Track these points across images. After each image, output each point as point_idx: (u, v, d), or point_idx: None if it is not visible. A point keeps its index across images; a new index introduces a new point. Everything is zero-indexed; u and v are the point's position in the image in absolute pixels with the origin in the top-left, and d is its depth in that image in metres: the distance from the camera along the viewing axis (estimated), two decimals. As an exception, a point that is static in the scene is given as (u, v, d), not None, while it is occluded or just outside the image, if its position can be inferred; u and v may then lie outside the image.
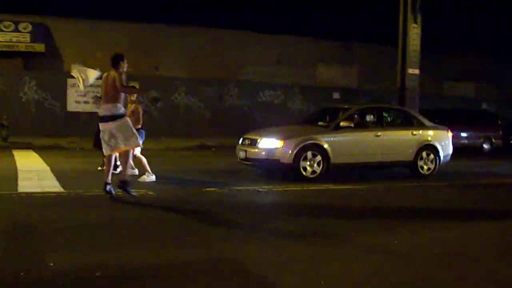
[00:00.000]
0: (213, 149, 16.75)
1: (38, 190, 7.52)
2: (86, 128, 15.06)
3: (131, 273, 3.94)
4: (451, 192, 9.20)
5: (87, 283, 3.69)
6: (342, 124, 9.76)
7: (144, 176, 8.64)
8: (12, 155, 12.21)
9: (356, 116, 10.32)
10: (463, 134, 17.59)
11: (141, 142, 8.00)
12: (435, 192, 9.04)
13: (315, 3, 27.44)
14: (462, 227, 6.02)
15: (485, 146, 18.37)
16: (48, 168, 10.03)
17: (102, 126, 6.96)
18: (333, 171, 9.53)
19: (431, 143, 10.55)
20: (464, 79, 26.24)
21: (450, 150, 10.97)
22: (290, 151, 9.16)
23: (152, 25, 20.51)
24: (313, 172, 9.27)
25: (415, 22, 14.84)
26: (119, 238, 4.99)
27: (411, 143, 10.38)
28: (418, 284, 3.93)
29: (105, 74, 7.05)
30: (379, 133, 10.08)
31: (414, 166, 10.39)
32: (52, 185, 8.01)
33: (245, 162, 9.85)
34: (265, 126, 11.02)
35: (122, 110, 6.96)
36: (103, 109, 6.95)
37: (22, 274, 3.80)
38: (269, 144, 9.38)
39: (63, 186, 7.81)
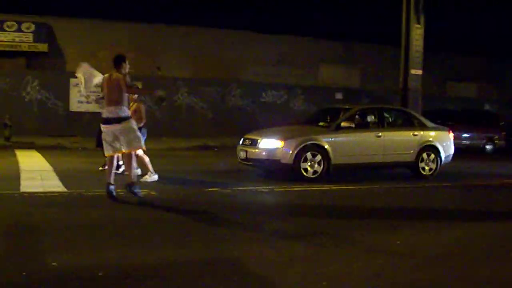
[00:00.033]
0: (215, 149, 16.77)
1: (41, 189, 7.54)
2: (89, 128, 15.11)
3: (131, 273, 3.95)
4: (452, 192, 9.21)
5: (88, 283, 3.71)
6: (343, 124, 9.75)
7: (147, 176, 8.65)
8: (15, 155, 12.23)
9: (357, 116, 10.31)
10: (466, 135, 17.57)
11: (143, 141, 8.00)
12: (436, 193, 9.03)
13: (316, 3, 27.47)
14: (463, 228, 6.02)
15: (488, 147, 18.34)
16: (50, 168, 10.06)
17: (105, 127, 6.91)
18: (334, 171, 9.53)
19: (432, 143, 10.55)
20: (466, 79, 26.22)
21: (451, 150, 10.97)
22: (290, 152, 9.16)
23: (154, 25, 20.55)
24: (314, 172, 9.26)
25: (418, 23, 14.82)
26: (120, 238, 5.01)
27: (412, 144, 10.37)
28: (419, 285, 3.94)
29: (106, 75, 7.00)
30: (380, 134, 10.08)
31: (415, 167, 10.39)
32: (54, 185, 8.03)
33: (245, 163, 9.84)
34: (267, 127, 11.03)
35: (127, 112, 6.95)
36: (107, 111, 6.87)
37: (24, 273, 3.83)
38: (270, 144, 9.38)
39: (65, 186, 7.83)
